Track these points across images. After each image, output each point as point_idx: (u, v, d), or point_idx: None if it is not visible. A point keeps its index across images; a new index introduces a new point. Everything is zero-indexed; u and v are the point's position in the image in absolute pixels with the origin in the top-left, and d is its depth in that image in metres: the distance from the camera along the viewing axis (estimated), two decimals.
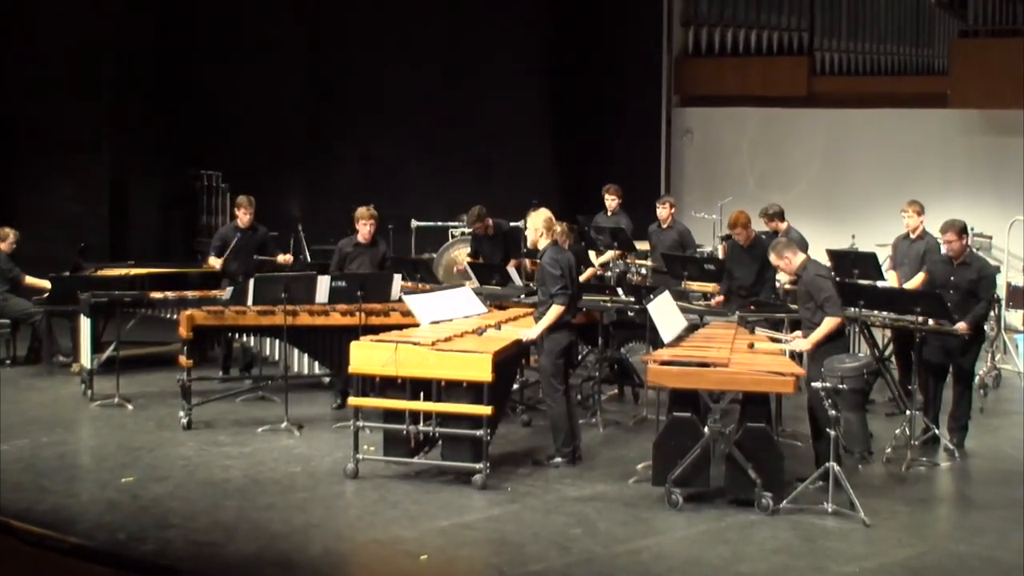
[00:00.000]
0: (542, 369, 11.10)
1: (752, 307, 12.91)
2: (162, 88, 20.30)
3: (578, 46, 22.73)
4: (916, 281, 12.91)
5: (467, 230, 16.78)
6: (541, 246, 11.09)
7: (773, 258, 11.14)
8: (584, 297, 12.38)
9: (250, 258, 14.39)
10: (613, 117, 22.51)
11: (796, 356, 11.26)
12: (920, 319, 11.42)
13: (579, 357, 13.48)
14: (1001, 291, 15.78)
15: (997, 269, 11.99)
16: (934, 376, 11.68)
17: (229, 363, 14.51)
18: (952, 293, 11.51)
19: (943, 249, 12.02)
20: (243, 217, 14.39)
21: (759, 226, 14.12)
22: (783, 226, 14.11)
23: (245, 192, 14.92)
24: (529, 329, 11.12)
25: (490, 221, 15.26)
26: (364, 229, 13.40)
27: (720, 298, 13.70)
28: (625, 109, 22.64)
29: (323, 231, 18.70)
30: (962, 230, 11.70)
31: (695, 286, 14.34)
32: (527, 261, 15.92)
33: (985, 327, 12.38)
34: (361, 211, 13.48)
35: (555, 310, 10.85)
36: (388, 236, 18.61)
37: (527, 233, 11.40)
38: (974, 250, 12.14)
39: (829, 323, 10.54)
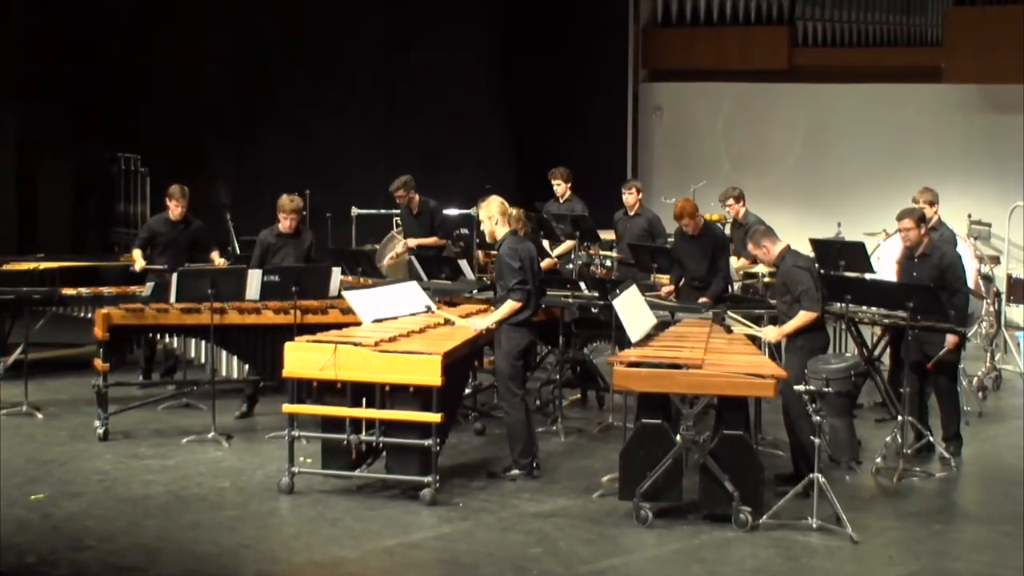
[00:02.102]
0: (499, 372, 11.11)
1: (707, 299, 13.15)
2: (74, 62, 20.12)
3: (535, 16, 22.71)
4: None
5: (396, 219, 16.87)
6: (499, 235, 11.09)
7: (751, 247, 11.29)
8: None
9: (181, 255, 14.24)
10: (574, 94, 22.50)
11: (775, 357, 11.32)
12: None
13: (537, 358, 13.49)
14: (1001, 284, 15.90)
15: (958, 255, 12.08)
16: (917, 376, 11.72)
17: (151, 367, 14.44)
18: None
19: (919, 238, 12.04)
20: (175, 209, 14.21)
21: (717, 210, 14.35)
22: (742, 210, 14.56)
23: (167, 177, 14.82)
24: (480, 319, 11.17)
25: (416, 196, 15.32)
26: (286, 223, 13.43)
27: (670, 288, 13.80)
28: (588, 85, 22.64)
29: (254, 220, 18.51)
30: (921, 219, 11.82)
31: (665, 279, 14.39)
32: (480, 252, 15.91)
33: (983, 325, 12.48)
34: (283, 202, 13.38)
35: (509, 306, 10.87)
36: (326, 225, 18.57)
37: (482, 227, 11.40)
38: (936, 239, 12.22)
39: (802, 317, 10.61)
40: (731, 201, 15.10)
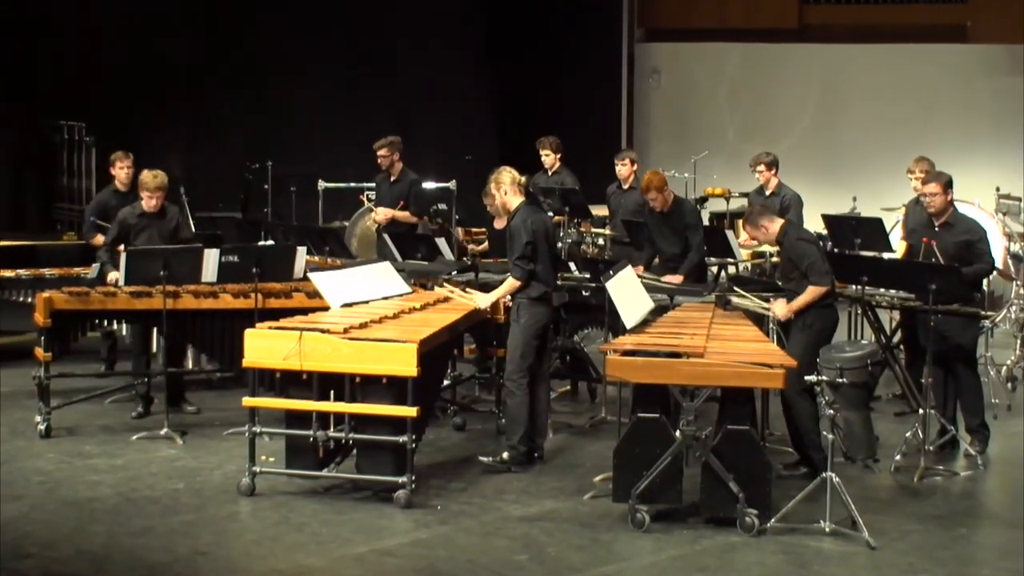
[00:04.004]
0: (511, 347, 11.20)
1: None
2: (12, 19, 20.07)
3: None
4: (898, 255, 13.08)
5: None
6: (513, 206, 11.26)
7: (749, 230, 11.29)
8: None
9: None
10: (563, 55, 22.49)
11: (782, 341, 11.33)
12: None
13: None
14: None
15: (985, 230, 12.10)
16: (936, 364, 11.69)
17: (115, 358, 14.25)
18: (933, 261, 11.60)
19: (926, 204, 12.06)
20: (120, 173, 14.02)
21: (742, 176, 14.28)
22: (774, 180, 14.48)
23: (115, 147, 14.70)
24: (482, 296, 11.27)
25: (399, 163, 15.22)
26: (150, 202, 12.92)
27: (638, 268, 13.78)
28: (578, 45, 22.63)
29: (211, 194, 18.57)
30: (948, 184, 11.81)
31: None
32: (459, 230, 15.88)
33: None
34: (145, 178, 12.90)
35: (508, 283, 11.08)
36: (290, 200, 18.53)
37: (496, 205, 11.47)
38: (959, 209, 12.25)
39: (812, 291, 10.63)
40: (762, 167, 14.76)
